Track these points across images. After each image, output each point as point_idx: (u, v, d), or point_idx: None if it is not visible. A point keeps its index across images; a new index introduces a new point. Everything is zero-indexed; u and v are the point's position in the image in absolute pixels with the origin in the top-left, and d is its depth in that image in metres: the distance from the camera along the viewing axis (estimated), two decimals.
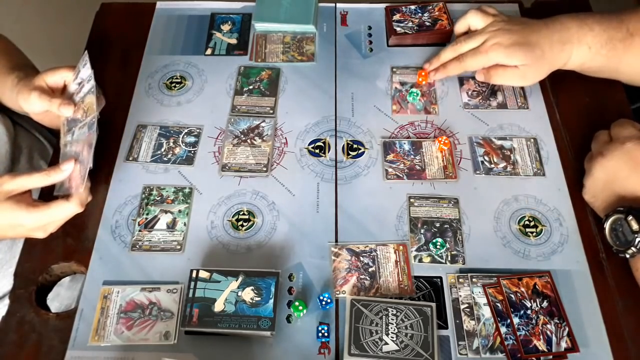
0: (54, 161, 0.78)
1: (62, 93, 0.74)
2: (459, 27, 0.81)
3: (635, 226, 0.63)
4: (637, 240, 0.62)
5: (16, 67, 0.78)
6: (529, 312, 0.63)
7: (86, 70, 0.70)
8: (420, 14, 0.89)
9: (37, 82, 0.72)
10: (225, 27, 0.92)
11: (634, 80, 0.78)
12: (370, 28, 0.91)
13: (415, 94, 0.82)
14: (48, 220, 0.65)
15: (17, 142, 0.85)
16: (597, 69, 0.76)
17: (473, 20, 0.79)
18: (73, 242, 0.70)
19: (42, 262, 0.68)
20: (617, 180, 0.67)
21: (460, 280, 0.66)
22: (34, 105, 0.71)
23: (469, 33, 0.80)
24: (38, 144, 0.90)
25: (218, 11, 0.94)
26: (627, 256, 0.64)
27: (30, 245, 0.70)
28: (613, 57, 0.74)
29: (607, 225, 0.66)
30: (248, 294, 0.63)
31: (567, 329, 0.62)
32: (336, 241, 0.70)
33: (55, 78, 0.73)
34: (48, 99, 0.70)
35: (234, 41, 0.90)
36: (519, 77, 0.76)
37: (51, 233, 0.67)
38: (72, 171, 0.67)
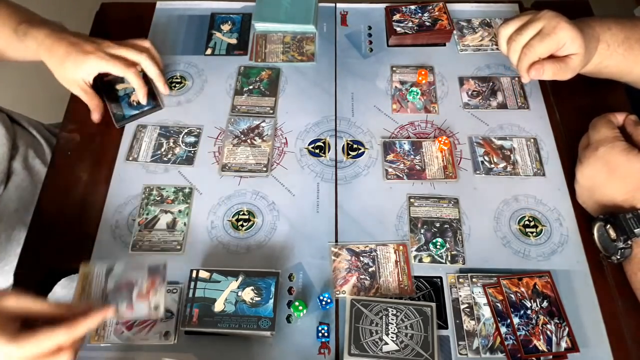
0: (54, 161, 0.78)
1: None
2: (506, 30, 0.74)
3: (612, 235, 0.64)
4: (618, 248, 0.63)
5: (39, 21, 0.78)
6: (529, 312, 0.63)
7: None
8: (420, 14, 0.89)
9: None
10: (225, 27, 0.92)
11: None
12: (370, 28, 0.91)
13: (415, 93, 0.82)
14: (31, 353, 0.52)
15: (15, 142, 0.85)
16: (614, 67, 0.75)
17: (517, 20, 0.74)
18: (73, 242, 0.70)
19: (42, 262, 0.68)
20: (597, 187, 0.67)
21: (460, 280, 0.66)
22: (90, 69, 0.75)
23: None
24: (34, 142, 0.90)
25: (218, 11, 0.94)
26: (615, 261, 0.64)
27: (30, 245, 0.70)
28: (629, 56, 0.73)
29: (594, 232, 0.67)
30: (248, 294, 0.63)
31: (567, 329, 0.62)
32: (336, 241, 0.70)
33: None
34: (91, 93, 0.77)
35: (234, 41, 0.90)
36: (571, 68, 0.72)
37: (51, 233, 0.66)
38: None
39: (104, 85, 0.84)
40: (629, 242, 0.62)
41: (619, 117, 0.70)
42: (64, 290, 0.73)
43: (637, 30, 0.73)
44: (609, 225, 0.64)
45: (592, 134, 0.69)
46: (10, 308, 0.53)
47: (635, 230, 0.61)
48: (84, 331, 0.54)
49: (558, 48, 0.70)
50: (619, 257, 0.64)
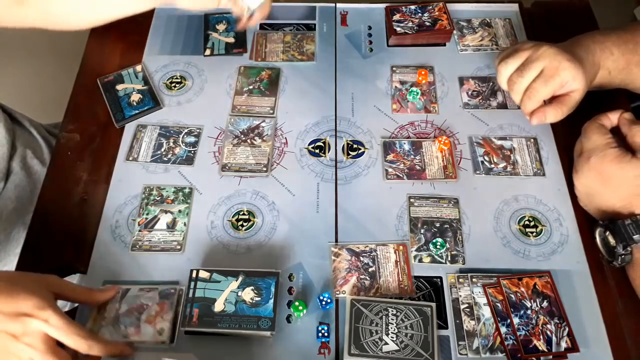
0: (54, 160, 0.78)
1: None
2: (506, 70, 0.73)
3: (612, 241, 0.64)
4: (617, 254, 0.63)
5: None
6: (529, 312, 0.63)
7: None
8: (420, 14, 0.89)
9: None
10: (221, 27, 0.92)
11: None
12: (370, 28, 0.91)
13: (415, 93, 0.82)
14: None
15: (14, 142, 0.85)
16: (609, 87, 0.75)
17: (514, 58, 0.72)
18: (73, 242, 0.70)
19: (42, 261, 0.68)
20: (594, 195, 0.68)
21: (460, 280, 0.66)
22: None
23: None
24: (33, 142, 0.90)
25: (211, 12, 0.93)
26: (616, 266, 0.65)
27: (30, 245, 0.70)
28: (627, 79, 0.73)
29: (596, 237, 0.67)
30: (248, 294, 0.63)
31: (567, 329, 0.62)
32: (336, 241, 0.70)
33: None
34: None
35: (231, 40, 0.90)
36: (571, 106, 0.71)
37: (51, 233, 0.66)
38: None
39: (104, 85, 0.84)
40: (629, 248, 0.63)
41: (613, 117, 0.69)
42: None
43: (638, 51, 0.72)
44: (608, 232, 0.64)
45: (584, 142, 0.68)
46: (52, 283, 0.58)
47: (634, 237, 0.61)
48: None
49: (561, 87, 0.70)
50: (619, 262, 0.64)
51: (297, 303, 0.63)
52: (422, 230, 0.70)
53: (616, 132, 0.69)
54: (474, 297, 0.65)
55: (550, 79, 0.69)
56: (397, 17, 0.89)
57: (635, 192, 0.63)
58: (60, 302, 0.58)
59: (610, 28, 0.74)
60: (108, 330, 0.63)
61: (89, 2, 0.78)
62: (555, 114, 0.71)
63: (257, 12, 0.80)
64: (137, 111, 0.81)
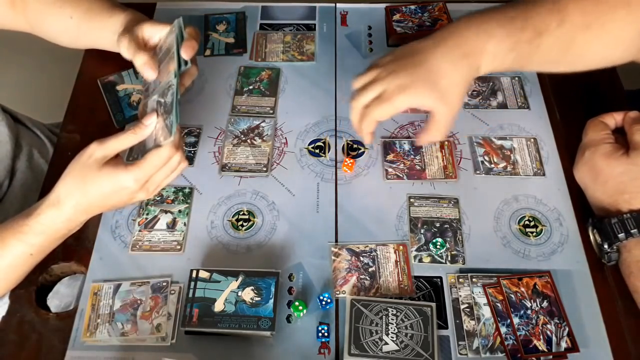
0: (54, 160, 0.78)
1: (152, 49, 0.72)
2: (356, 84, 0.69)
3: (598, 239, 0.64)
4: (604, 252, 0.64)
5: (120, 8, 0.78)
6: (529, 312, 0.63)
7: (171, 36, 0.68)
8: (420, 14, 0.89)
9: (135, 29, 0.71)
10: (221, 27, 0.92)
11: (542, 70, 0.75)
12: (370, 28, 0.91)
13: None
14: (148, 172, 0.62)
15: (18, 141, 0.85)
16: (506, 70, 0.70)
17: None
18: (73, 242, 0.70)
19: (42, 262, 0.68)
20: (587, 190, 0.68)
21: (460, 280, 0.66)
22: (121, 51, 0.70)
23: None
24: (38, 142, 0.90)
25: (211, 12, 0.93)
26: (607, 264, 0.65)
27: None
28: (521, 59, 0.66)
29: (590, 234, 0.67)
30: (248, 294, 0.63)
31: (567, 329, 0.62)
32: (336, 241, 0.70)
33: (151, 31, 0.71)
34: (134, 50, 0.68)
35: (231, 40, 0.90)
36: (440, 125, 0.66)
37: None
38: (157, 124, 0.64)
39: (105, 85, 0.84)
40: (614, 246, 0.63)
41: (617, 117, 0.69)
42: (68, 289, 0.73)
43: (527, 28, 0.63)
44: (595, 230, 0.65)
45: (583, 137, 0.69)
46: (99, 155, 0.61)
47: (619, 235, 0.62)
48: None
49: (400, 111, 0.67)
50: (607, 260, 0.64)
51: (297, 303, 0.63)
52: (422, 230, 0.70)
53: (622, 133, 0.68)
54: (474, 297, 0.65)
55: (384, 102, 0.65)
56: (397, 17, 0.89)
57: (620, 189, 0.63)
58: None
59: (494, 8, 0.66)
60: (105, 329, 0.63)
61: (72, 33, 0.80)
62: (426, 139, 0.68)
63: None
64: (137, 112, 0.81)
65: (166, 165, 0.64)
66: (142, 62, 0.67)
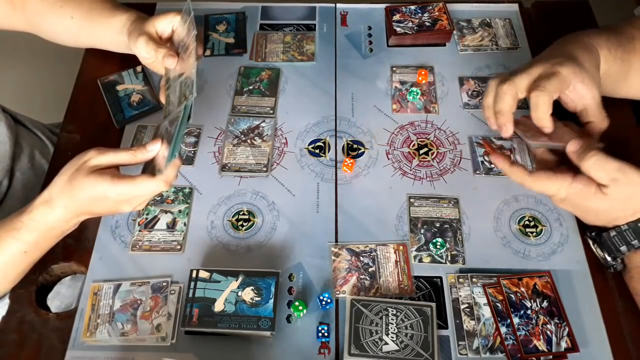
0: (54, 160, 0.78)
1: (169, 41, 0.73)
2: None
3: (600, 254, 0.65)
4: (608, 265, 0.65)
5: (122, 8, 0.79)
6: (529, 312, 0.63)
7: (189, 31, 0.67)
8: (420, 14, 0.89)
9: (147, 27, 0.72)
10: (221, 27, 0.92)
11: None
12: (370, 28, 0.91)
13: (415, 93, 0.82)
14: (132, 194, 0.63)
15: (19, 141, 0.85)
16: (614, 74, 0.69)
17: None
18: (73, 242, 0.70)
19: (42, 262, 0.68)
20: (581, 217, 0.66)
21: (460, 280, 0.66)
22: (140, 51, 0.71)
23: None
24: (39, 143, 0.90)
25: (212, 12, 0.93)
26: (612, 272, 0.66)
27: None
28: (626, 60, 0.68)
29: (591, 246, 0.68)
30: (248, 294, 0.63)
31: (567, 329, 0.62)
32: (336, 241, 0.70)
33: (164, 24, 0.72)
34: (154, 47, 0.70)
35: (231, 40, 0.90)
36: (595, 99, 0.65)
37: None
38: (159, 151, 0.65)
39: (105, 85, 0.84)
40: (618, 259, 0.63)
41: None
42: (69, 289, 0.73)
43: (626, 34, 0.68)
44: (595, 245, 0.66)
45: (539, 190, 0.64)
46: (93, 162, 0.62)
47: (621, 249, 0.62)
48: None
49: (568, 83, 0.64)
50: (612, 271, 0.65)
51: (297, 303, 0.63)
52: (422, 230, 0.70)
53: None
54: (474, 297, 0.65)
55: (552, 76, 0.63)
56: (397, 17, 0.89)
57: (614, 216, 0.62)
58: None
59: (596, 29, 0.70)
60: (105, 329, 0.63)
61: (73, 32, 0.81)
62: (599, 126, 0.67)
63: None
64: (137, 112, 0.81)
65: (151, 193, 0.65)
66: (163, 55, 0.69)
